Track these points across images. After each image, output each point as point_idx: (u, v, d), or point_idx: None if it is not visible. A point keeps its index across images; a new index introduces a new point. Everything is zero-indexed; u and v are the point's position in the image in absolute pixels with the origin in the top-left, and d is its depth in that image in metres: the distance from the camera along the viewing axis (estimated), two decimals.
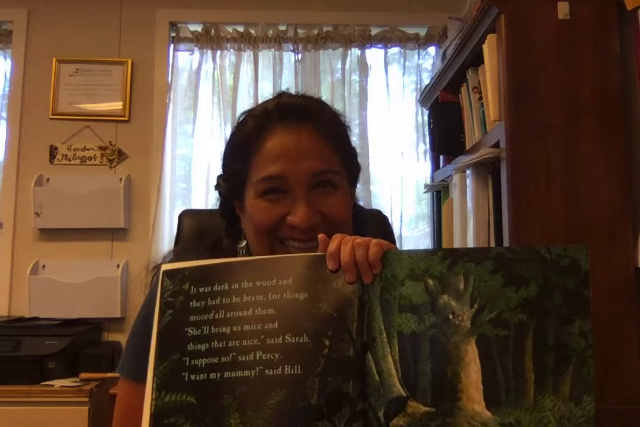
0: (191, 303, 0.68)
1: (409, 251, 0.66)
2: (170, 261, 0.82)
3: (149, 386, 0.65)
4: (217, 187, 0.93)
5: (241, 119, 0.89)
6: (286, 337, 0.64)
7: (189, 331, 0.67)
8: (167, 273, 0.71)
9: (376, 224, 1.32)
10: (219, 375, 0.64)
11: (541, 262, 0.62)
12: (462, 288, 0.62)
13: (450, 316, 0.62)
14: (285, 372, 0.62)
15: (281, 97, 0.87)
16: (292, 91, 0.90)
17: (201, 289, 0.69)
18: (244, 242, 0.88)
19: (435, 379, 0.60)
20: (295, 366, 0.62)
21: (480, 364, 0.60)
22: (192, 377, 0.64)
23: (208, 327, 0.66)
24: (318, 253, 0.69)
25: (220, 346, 0.65)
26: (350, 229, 0.86)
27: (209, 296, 0.68)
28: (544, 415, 0.58)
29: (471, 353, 0.60)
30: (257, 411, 0.61)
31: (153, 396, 0.64)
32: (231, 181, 0.88)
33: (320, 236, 0.71)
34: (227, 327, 0.66)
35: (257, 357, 0.64)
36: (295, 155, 0.80)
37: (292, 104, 0.85)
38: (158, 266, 0.77)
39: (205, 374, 0.64)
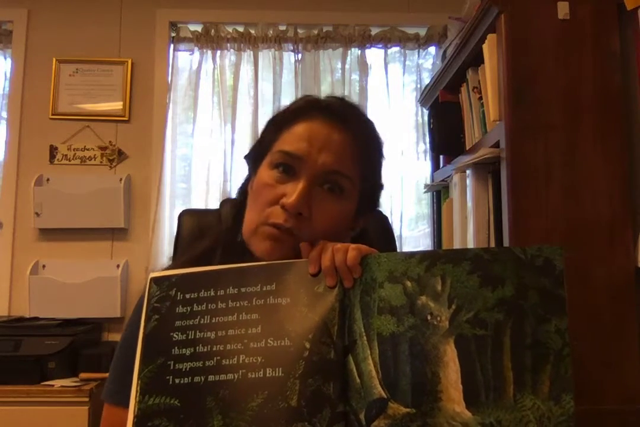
0: (177, 309, 0.69)
1: (387, 254, 0.66)
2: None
3: (133, 390, 0.66)
4: (246, 156, 0.93)
5: (297, 100, 0.91)
6: (268, 340, 0.65)
7: (174, 335, 0.68)
8: (155, 280, 0.72)
9: (375, 224, 1.32)
10: (202, 378, 0.64)
11: (516, 263, 0.62)
12: (440, 289, 0.62)
13: (429, 317, 0.62)
14: (267, 375, 0.63)
15: (342, 99, 0.90)
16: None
17: (187, 295, 0.70)
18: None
19: (415, 379, 0.60)
20: (277, 369, 0.63)
21: (459, 364, 0.60)
22: (177, 380, 0.65)
23: (193, 332, 0.67)
24: (301, 260, 0.71)
25: (205, 350, 0.66)
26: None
27: (195, 302, 0.69)
28: (524, 414, 0.58)
29: (450, 353, 0.60)
30: (240, 413, 0.62)
31: (137, 400, 0.65)
32: (259, 148, 0.89)
33: (302, 244, 0.73)
34: (212, 332, 0.67)
35: (240, 361, 0.64)
36: (319, 144, 0.81)
37: (340, 107, 0.87)
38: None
39: (190, 378, 0.65)
